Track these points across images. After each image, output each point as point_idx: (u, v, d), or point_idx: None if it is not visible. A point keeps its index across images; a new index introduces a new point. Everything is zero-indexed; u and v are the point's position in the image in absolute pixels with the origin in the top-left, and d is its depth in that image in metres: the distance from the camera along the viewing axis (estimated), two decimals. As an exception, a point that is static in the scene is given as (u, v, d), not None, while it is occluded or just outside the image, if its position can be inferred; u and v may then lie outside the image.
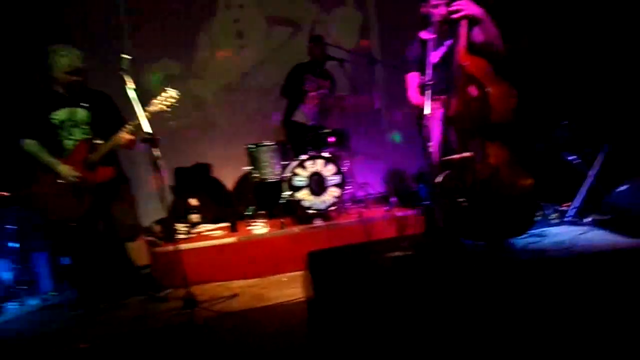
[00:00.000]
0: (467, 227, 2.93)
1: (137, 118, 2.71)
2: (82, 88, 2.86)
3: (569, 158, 3.77)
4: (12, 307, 3.44)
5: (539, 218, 3.63)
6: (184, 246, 3.21)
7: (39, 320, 3.03)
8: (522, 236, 3.03)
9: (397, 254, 1.90)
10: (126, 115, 2.97)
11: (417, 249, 1.95)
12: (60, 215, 2.87)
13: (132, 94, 2.67)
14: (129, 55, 2.76)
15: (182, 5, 4.88)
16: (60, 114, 2.89)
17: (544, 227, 3.40)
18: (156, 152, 2.66)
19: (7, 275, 3.74)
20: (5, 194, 3.87)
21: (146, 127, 2.68)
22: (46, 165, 2.85)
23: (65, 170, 2.83)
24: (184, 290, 2.68)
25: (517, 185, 2.81)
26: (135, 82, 2.75)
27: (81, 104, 2.90)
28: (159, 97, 2.86)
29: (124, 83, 2.67)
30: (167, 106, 2.85)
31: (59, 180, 2.83)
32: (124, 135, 2.82)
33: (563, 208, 3.71)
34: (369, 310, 1.73)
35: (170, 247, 3.25)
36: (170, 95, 2.86)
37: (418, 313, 1.72)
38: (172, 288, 3.07)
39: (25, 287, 3.58)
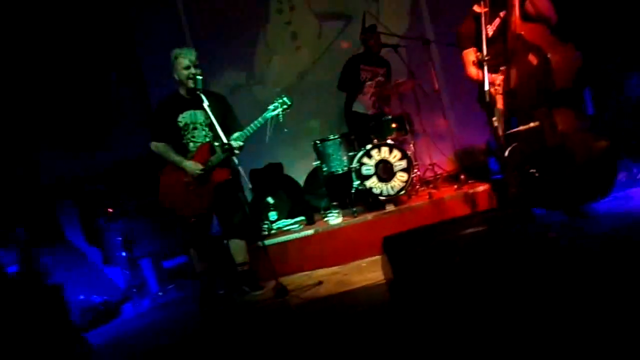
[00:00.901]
0: (542, 196, 2.91)
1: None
2: (201, 90, 3.07)
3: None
4: (128, 308, 3.96)
5: (625, 179, 3.46)
6: (268, 242, 3.46)
7: (159, 317, 3.42)
8: (605, 199, 2.93)
9: (469, 231, 1.97)
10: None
11: (490, 225, 2.01)
12: (184, 211, 3.16)
13: (209, 111, 2.96)
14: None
15: (237, 16, 5.17)
16: (184, 117, 3.19)
17: (632, 188, 3.25)
18: (236, 160, 2.94)
19: (120, 281, 4.30)
20: (110, 210, 4.43)
21: (224, 138, 2.96)
22: (172, 163, 3.16)
23: (191, 165, 3.11)
24: (273, 282, 2.94)
25: (591, 150, 2.73)
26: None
27: (202, 105, 3.11)
28: (273, 105, 3.11)
29: (202, 101, 2.97)
30: (283, 112, 3.10)
31: (185, 179, 3.13)
32: (236, 142, 3.06)
33: (650, 166, 3.50)
34: (446, 289, 1.83)
35: (258, 244, 3.56)
36: (283, 101, 3.11)
37: (494, 290, 1.79)
38: (262, 281, 3.35)
39: (136, 290, 4.08)
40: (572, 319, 1.60)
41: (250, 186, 3.01)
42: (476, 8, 3.12)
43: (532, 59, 2.86)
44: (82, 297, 3.72)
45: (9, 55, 4.54)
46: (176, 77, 3.18)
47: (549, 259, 1.87)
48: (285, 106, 3.13)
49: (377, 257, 3.35)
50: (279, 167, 4.98)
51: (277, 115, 3.14)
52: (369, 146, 3.78)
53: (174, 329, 2.98)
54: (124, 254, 4.21)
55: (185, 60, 3.10)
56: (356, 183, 3.80)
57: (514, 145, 2.91)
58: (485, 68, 2.77)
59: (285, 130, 3.17)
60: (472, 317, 1.75)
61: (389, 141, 3.79)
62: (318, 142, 4.09)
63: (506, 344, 1.59)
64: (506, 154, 2.84)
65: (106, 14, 5.02)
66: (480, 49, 3.09)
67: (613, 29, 3.92)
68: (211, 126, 3.18)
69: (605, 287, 1.77)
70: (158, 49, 4.93)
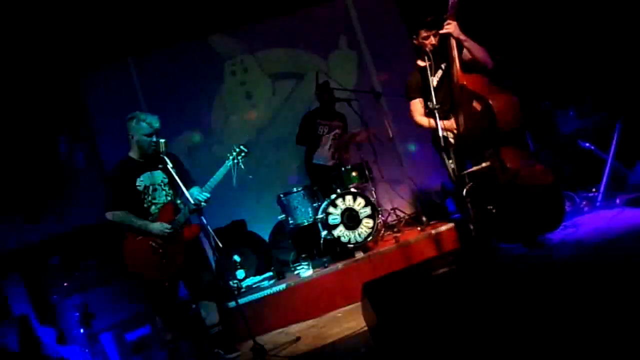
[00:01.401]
0: (500, 231, 3.07)
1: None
2: (156, 153, 3.03)
3: (585, 145, 3.89)
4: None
5: (570, 209, 3.73)
6: (241, 300, 3.38)
7: None
8: (557, 230, 3.15)
9: (441, 271, 2.05)
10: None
11: (458, 264, 2.10)
12: (155, 276, 3.01)
13: (173, 172, 2.95)
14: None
15: (191, 78, 5.29)
16: (142, 180, 3.08)
17: (577, 217, 3.50)
18: (204, 219, 2.91)
19: (80, 361, 3.97)
20: (65, 284, 4.16)
21: (191, 198, 2.94)
22: (137, 229, 3.02)
23: (157, 226, 2.99)
24: (248, 343, 2.84)
25: (539, 183, 2.96)
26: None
27: (158, 166, 3.08)
28: (231, 155, 3.12)
29: (166, 164, 2.96)
30: (242, 158, 3.13)
31: (151, 243, 3.00)
32: (202, 195, 3.01)
33: (591, 194, 3.81)
34: (429, 327, 1.87)
35: (230, 304, 3.46)
36: (240, 149, 3.13)
37: (472, 323, 1.85)
38: (236, 343, 3.23)
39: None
40: (553, 340, 1.67)
41: (220, 244, 2.93)
42: (420, 62, 3.40)
43: (476, 105, 3.11)
44: None
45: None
46: (133, 140, 3.10)
47: (518, 289, 1.97)
48: (243, 153, 3.17)
49: (352, 305, 3.37)
50: (242, 224, 4.94)
51: (237, 162, 3.16)
52: (333, 196, 3.87)
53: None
54: (82, 330, 3.93)
55: (148, 127, 3.05)
56: (324, 233, 3.84)
57: (469, 184, 3.10)
58: (437, 115, 2.98)
59: (250, 177, 3.18)
60: (460, 353, 1.79)
61: (352, 189, 3.90)
62: (282, 195, 4.14)
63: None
64: (464, 193, 3.01)
65: (56, 77, 4.96)
66: (426, 99, 3.35)
67: (545, 72, 4.39)
68: (170, 185, 3.16)
69: (573, 307, 1.88)
70: (111, 112, 4.94)
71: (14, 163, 4.64)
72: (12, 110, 4.69)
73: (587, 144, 3.90)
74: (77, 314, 3.96)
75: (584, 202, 3.80)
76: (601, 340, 1.61)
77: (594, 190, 3.83)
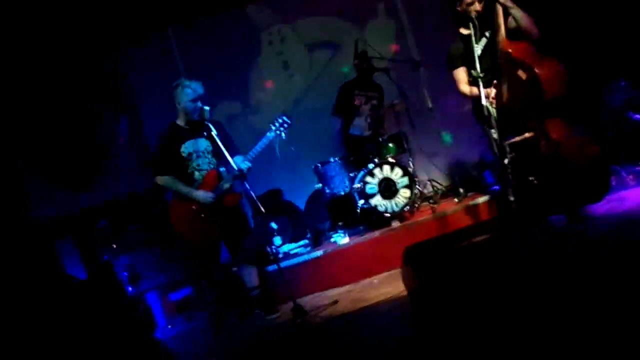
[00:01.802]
0: (542, 203, 3.04)
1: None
2: (201, 120, 3.15)
3: (635, 117, 3.75)
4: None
5: (615, 183, 3.63)
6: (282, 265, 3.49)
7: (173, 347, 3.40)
8: (601, 202, 3.08)
9: (483, 237, 2.07)
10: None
11: (500, 231, 2.11)
12: (196, 240, 3.17)
13: (217, 140, 3.04)
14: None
15: (230, 49, 5.34)
16: (186, 147, 3.22)
17: (623, 191, 3.41)
18: (247, 185, 3.01)
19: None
20: (114, 245, 4.41)
21: (235, 166, 3.04)
22: (182, 195, 3.16)
23: (202, 194, 3.11)
24: (290, 305, 2.97)
25: (583, 155, 2.89)
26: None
27: (202, 133, 3.18)
28: (274, 125, 3.19)
29: (210, 131, 3.05)
30: (284, 130, 3.19)
31: (194, 209, 3.13)
32: (244, 164, 3.11)
33: (639, 168, 3.69)
34: (470, 294, 1.91)
35: (270, 268, 3.59)
36: (283, 120, 3.19)
37: (513, 293, 1.88)
38: (276, 305, 3.38)
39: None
40: (590, 321, 1.68)
41: (262, 209, 3.02)
42: (463, 30, 3.33)
43: (521, 74, 3.03)
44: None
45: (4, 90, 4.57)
46: (179, 107, 3.21)
47: (563, 262, 1.97)
48: (285, 125, 3.22)
49: (389, 272, 3.44)
50: (278, 192, 5.06)
51: (280, 134, 3.23)
52: (371, 165, 3.90)
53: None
54: (130, 289, 4.18)
55: (193, 93, 3.15)
56: (361, 202, 3.90)
57: (511, 155, 3.06)
58: (481, 84, 2.93)
59: (292, 149, 3.23)
60: (497, 321, 1.83)
61: (389, 159, 3.91)
62: (319, 164, 4.19)
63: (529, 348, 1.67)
64: (506, 161, 2.97)
65: (98, 49, 5.11)
66: (469, 68, 3.29)
67: (592, 42, 4.19)
68: (214, 153, 3.25)
69: (615, 286, 1.88)
70: (152, 82, 5.06)
71: (62, 136, 4.86)
72: (56, 83, 4.88)
73: (638, 116, 3.75)
74: (126, 273, 4.21)
75: (631, 176, 3.69)
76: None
77: (641, 164, 3.70)
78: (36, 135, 4.71)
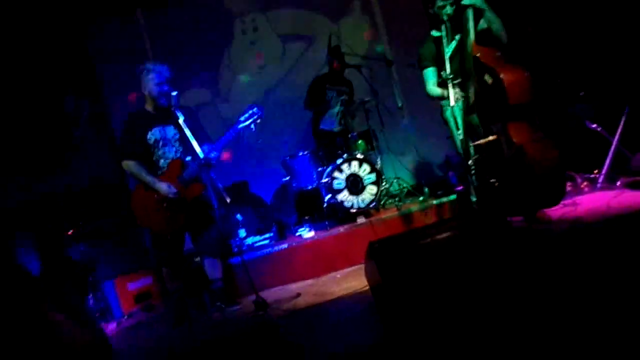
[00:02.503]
0: (502, 204, 3.14)
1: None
2: (169, 106, 3.05)
3: (592, 126, 3.92)
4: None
5: (570, 188, 3.80)
6: (245, 257, 3.46)
7: (130, 337, 3.30)
8: (556, 206, 3.22)
9: (447, 235, 2.11)
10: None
11: (463, 229, 2.17)
12: (159, 229, 3.09)
13: (185, 127, 2.97)
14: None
15: (201, 34, 5.22)
16: (153, 133, 3.12)
17: (577, 196, 3.57)
18: (213, 174, 2.95)
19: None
20: (70, 232, 4.24)
21: (201, 154, 2.97)
22: (145, 183, 3.07)
23: (164, 187, 3.03)
24: (251, 298, 2.94)
25: (544, 160, 3.00)
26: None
27: (171, 121, 3.10)
28: (244, 115, 3.11)
29: (177, 118, 2.97)
30: (254, 121, 3.11)
31: (156, 196, 3.05)
32: (212, 153, 3.03)
33: (593, 176, 3.87)
34: (431, 290, 1.95)
35: (234, 260, 3.55)
36: (254, 111, 3.12)
37: (474, 289, 1.94)
38: (238, 297, 3.35)
39: (99, 315, 3.92)
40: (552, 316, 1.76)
41: (228, 199, 2.97)
42: (434, 32, 3.38)
43: (487, 78, 3.12)
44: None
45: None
46: (146, 92, 3.13)
47: (521, 260, 2.04)
48: (255, 116, 3.16)
49: (352, 268, 3.47)
50: (245, 184, 5.00)
51: (249, 125, 3.17)
52: (339, 160, 3.91)
53: (151, 352, 2.88)
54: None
55: (158, 76, 3.07)
56: (327, 197, 3.90)
57: (475, 156, 3.14)
58: (450, 86, 2.99)
59: (260, 141, 3.17)
60: (458, 316, 1.88)
61: (358, 155, 3.93)
62: (288, 158, 4.17)
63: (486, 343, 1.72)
64: (470, 163, 3.05)
65: (62, 29, 4.88)
66: (439, 69, 3.35)
67: (562, 51, 4.36)
68: (181, 141, 3.17)
69: (569, 284, 1.96)
70: (119, 67, 4.88)
71: (21, 120, 4.62)
72: (18, 65, 4.63)
73: (594, 125, 3.93)
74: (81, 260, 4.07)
75: (585, 183, 3.87)
76: (594, 314, 1.70)
77: (595, 172, 3.88)
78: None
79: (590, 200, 3.48)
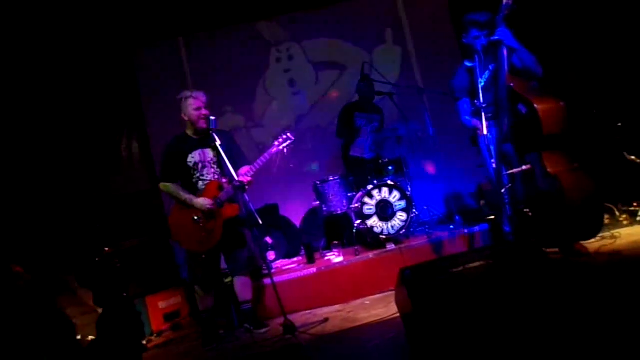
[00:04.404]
0: (536, 235, 3.07)
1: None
2: (208, 129, 3.19)
3: (631, 158, 3.83)
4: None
5: (609, 220, 3.69)
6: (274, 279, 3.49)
7: (160, 355, 3.35)
8: (594, 239, 3.13)
9: (478, 264, 2.09)
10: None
11: (496, 259, 2.14)
12: (194, 248, 3.19)
13: (221, 150, 3.08)
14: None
15: (238, 63, 5.44)
16: (193, 157, 3.27)
17: (615, 230, 3.46)
18: (247, 197, 3.03)
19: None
20: (107, 249, 4.39)
21: (236, 177, 3.06)
22: (183, 201, 3.21)
23: (200, 202, 3.16)
24: (279, 320, 2.95)
25: (579, 190, 2.94)
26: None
27: (210, 144, 3.24)
28: (277, 141, 3.26)
29: (214, 141, 3.09)
30: (287, 147, 3.24)
31: (194, 216, 3.16)
32: (245, 177, 3.14)
33: (632, 208, 3.75)
34: (464, 318, 1.93)
35: (263, 282, 3.58)
36: (287, 137, 3.25)
37: (508, 319, 1.90)
38: (266, 319, 3.36)
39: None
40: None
41: (260, 221, 3.04)
42: (468, 62, 3.41)
43: (522, 108, 3.12)
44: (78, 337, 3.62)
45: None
46: (185, 117, 3.29)
47: (556, 293, 1.99)
48: (288, 141, 3.29)
49: (381, 294, 3.45)
50: (274, 207, 5.07)
51: (282, 149, 3.28)
52: (370, 186, 3.93)
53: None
54: (123, 294, 4.14)
55: (196, 101, 3.24)
56: (357, 222, 3.92)
57: (508, 185, 3.11)
58: (483, 116, 3.00)
59: (291, 165, 3.25)
60: (489, 347, 1.84)
61: (389, 182, 3.95)
62: (318, 182, 4.23)
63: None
64: (503, 191, 3.03)
65: (107, 54, 5.19)
66: (472, 99, 3.36)
67: (594, 84, 4.31)
68: (219, 163, 3.30)
69: (605, 320, 1.90)
70: (161, 94, 5.14)
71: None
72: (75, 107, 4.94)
73: (633, 157, 3.83)
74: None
75: (624, 216, 3.75)
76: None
77: (635, 204, 3.76)
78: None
79: (629, 233, 3.36)
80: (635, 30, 4.10)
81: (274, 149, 3.25)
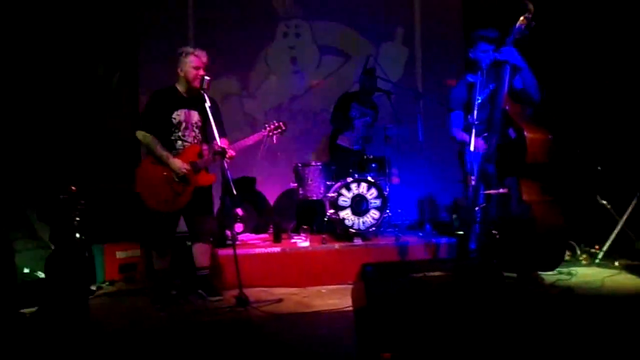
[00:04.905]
0: (499, 257, 3.15)
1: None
2: (199, 91, 3.10)
3: (602, 202, 3.94)
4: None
5: (569, 257, 3.80)
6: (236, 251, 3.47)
7: (108, 304, 3.31)
8: (551, 272, 3.23)
9: (438, 273, 2.13)
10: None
11: (456, 272, 2.18)
12: (157, 206, 3.10)
13: (209, 113, 3.02)
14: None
15: (244, 29, 5.32)
16: (179, 114, 3.17)
17: (573, 267, 3.57)
18: (226, 165, 2.99)
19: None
20: (74, 188, 4.28)
21: (219, 142, 3.02)
22: (158, 157, 3.09)
23: (178, 164, 3.07)
24: (233, 292, 2.95)
25: (548, 223, 3.02)
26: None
27: (197, 107, 3.16)
28: (269, 126, 3.21)
29: (204, 101, 3.02)
30: (277, 135, 3.23)
31: (165, 174, 3.08)
32: (229, 150, 3.07)
33: (594, 250, 3.87)
34: (414, 322, 1.97)
35: (224, 252, 3.57)
36: (279, 125, 3.23)
37: (455, 331, 1.94)
38: (222, 289, 3.36)
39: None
40: None
41: (234, 191, 3.00)
42: (470, 77, 3.43)
43: (511, 132, 3.16)
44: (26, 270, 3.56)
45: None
46: (181, 73, 3.18)
47: (506, 314, 2.05)
48: (279, 130, 3.29)
49: (338, 286, 3.48)
50: (252, 181, 5.03)
51: (271, 136, 3.25)
52: (350, 179, 3.94)
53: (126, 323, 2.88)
54: (77, 235, 4.06)
55: (197, 60, 3.14)
56: (330, 211, 3.93)
57: (482, 205, 3.17)
58: (473, 132, 3.02)
59: (278, 153, 3.22)
60: (435, 353, 1.88)
61: (369, 178, 3.96)
62: (300, 165, 4.21)
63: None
64: (476, 209, 3.08)
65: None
66: (466, 113, 3.39)
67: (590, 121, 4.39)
68: (202, 128, 3.23)
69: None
70: (158, 44, 4.99)
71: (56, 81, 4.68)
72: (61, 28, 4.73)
73: (604, 202, 3.94)
74: (78, 218, 4.09)
75: (585, 255, 3.87)
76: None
77: (597, 247, 3.89)
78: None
79: (585, 273, 3.48)
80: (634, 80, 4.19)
81: (262, 135, 3.21)
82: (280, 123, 3.24)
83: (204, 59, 3.17)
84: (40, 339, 2.42)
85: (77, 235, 3.91)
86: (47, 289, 2.99)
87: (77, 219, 3.97)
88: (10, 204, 3.86)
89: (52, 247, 3.96)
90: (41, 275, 3.72)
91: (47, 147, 4.47)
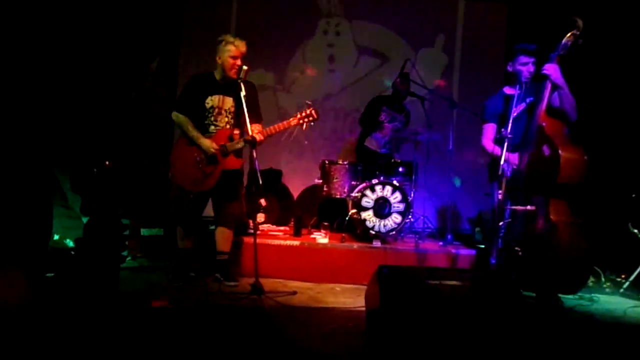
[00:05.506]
0: (519, 275, 3.09)
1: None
2: (235, 80, 3.11)
3: (634, 230, 3.81)
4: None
5: (592, 283, 3.69)
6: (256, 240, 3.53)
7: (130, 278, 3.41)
8: (572, 296, 3.15)
9: (455, 282, 2.11)
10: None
11: (474, 283, 2.16)
12: (186, 186, 3.22)
13: (244, 102, 3.07)
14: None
15: (285, 23, 5.39)
16: (212, 100, 3.27)
17: (596, 293, 3.47)
18: (254, 154, 3.04)
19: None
20: (108, 163, 4.44)
21: (250, 131, 3.07)
22: (190, 137, 3.22)
23: (207, 143, 3.17)
24: (249, 280, 3.01)
25: (573, 247, 2.94)
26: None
27: (232, 93, 3.22)
28: (300, 114, 3.18)
29: (240, 90, 3.07)
30: (307, 123, 3.17)
31: (196, 155, 3.19)
32: (259, 135, 3.11)
33: (619, 279, 3.75)
34: (426, 329, 1.96)
35: (244, 239, 3.63)
36: (311, 113, 3.17)
37: (467, 343, 1.93)
38: (239, 276, 3.42)
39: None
40: None
41: (260, 181, 3.04)
42: (507, 90, 3.37)
43: (546, 149, 3.09)
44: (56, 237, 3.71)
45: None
46: (219, 60, 3.25)
47: (524, 334, 2.02)
48: (311, 117, 3.19)
49: (353, 285, 3.49)
50: (278, 174, 5.09)
51: (302, 124, 3.23)
52: (375, 181, 3.94)
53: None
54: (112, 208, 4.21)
55: (236, 49, 3.20)
56: (352, 211, 3.94)
57: (507, 220, 3.11)
58: (505, 145, 2.97)
59: (305, 142, 3.24)
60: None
61: (394, 182, 3.95)
62: (327, 161, 4.23)
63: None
64: (500, 224, 3.03)
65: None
66: (500, 126, 3.33)
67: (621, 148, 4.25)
68: (236, 114, 3.29)
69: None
70: (201, 31, 5.09)
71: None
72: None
73: (636, 230, 3.81)
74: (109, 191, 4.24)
75: (608, 283, 3.76)
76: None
77: (623, 276, 3.77)
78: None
79: (607, 301, 3.38)
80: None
81: (294, 121, 3.21)
82: (313, 111, 3.20)
83: (243, 49, 3.22)
84: (68, 304, 2.52)
85: (111, 208, 4.07)
86: (80, 256, 3.10)
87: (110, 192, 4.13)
88: (50, 172, 4.02)
89: (82, 218, 4.13)
90: (70, 244, 3.88)
91: (87, 123, 4.64)
